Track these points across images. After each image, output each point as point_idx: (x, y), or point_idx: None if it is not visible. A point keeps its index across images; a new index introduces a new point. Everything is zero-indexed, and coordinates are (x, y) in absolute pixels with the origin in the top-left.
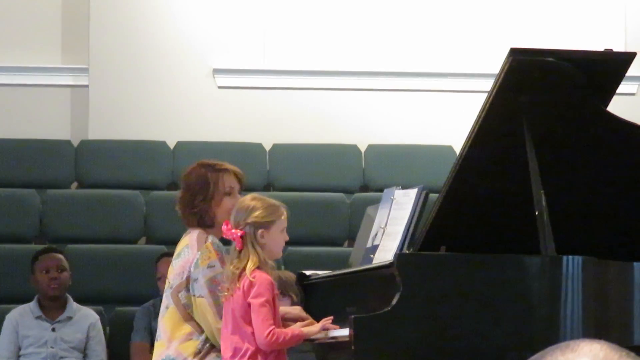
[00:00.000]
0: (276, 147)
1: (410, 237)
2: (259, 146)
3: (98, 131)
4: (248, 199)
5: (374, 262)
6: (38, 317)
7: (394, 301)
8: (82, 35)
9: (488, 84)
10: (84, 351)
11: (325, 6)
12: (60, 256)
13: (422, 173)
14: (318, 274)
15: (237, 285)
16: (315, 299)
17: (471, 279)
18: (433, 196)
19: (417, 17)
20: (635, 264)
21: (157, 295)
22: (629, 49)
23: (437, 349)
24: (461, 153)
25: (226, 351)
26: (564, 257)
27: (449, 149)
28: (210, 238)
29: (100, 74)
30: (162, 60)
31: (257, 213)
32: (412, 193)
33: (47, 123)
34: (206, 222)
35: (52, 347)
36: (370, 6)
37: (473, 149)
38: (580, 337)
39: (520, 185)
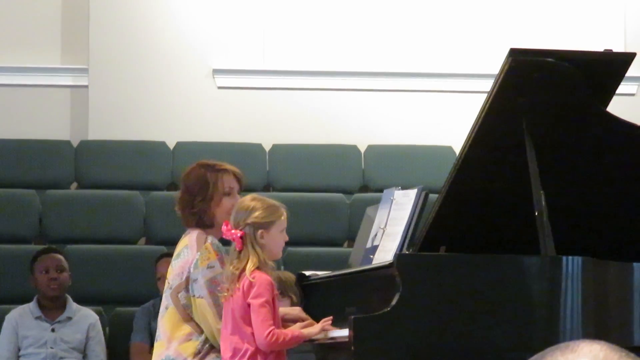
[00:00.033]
0: (276, 148)
1: (410, 237)
2: (259, 146)
3: (98, 131)
4: (248, 199)
5: (373, 262)
6: (38, 318)
7: (394, 302)
8: (81, 36)
9: (488, 85)
10: (84, 351)
11: (324, 7)
12: (60, 256)
13: (422, 173)
14: (318, 275)
15: (237, 285)
16: (315, 299)
17: (471, 279)
18: (433, 196)
19: (417, 18)
20: (635, 264)
21: (157, 295)
22: (629, 49)
23: (437, 349)
24: (461, 153)
25: (226, 351)
26: (564, 258)
27: (449, 149)
28: (210, 238)
29: (99, 75)
30: (161, 60)
31: (257, 213)
32: (412, 193)
33: (47, 123)
34: (205, 223)
35: (51, 348)
36: (370, 7)
37: (473, 149)
38: (579, 337)
39: (519, 186)
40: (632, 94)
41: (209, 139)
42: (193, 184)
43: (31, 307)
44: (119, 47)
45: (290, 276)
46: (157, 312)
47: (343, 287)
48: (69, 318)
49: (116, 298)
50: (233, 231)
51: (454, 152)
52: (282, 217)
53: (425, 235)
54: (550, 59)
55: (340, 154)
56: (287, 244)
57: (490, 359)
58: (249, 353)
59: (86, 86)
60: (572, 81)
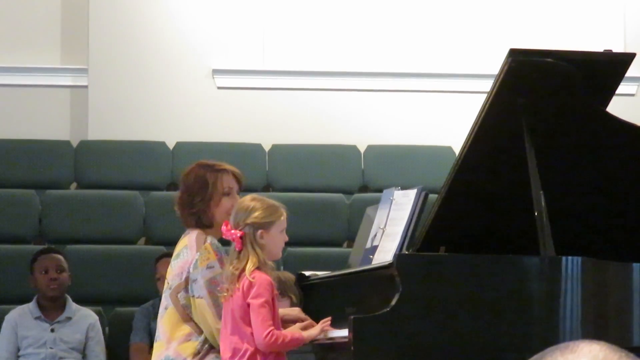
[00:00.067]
0: (275, 148)
1: (410, 237)
2: (259, 147)
3: (97, 132)
4: (248, 199)
5: (373, 262)
6: (37, 318)
7: (394, 302)
8: (81, 36)
9: (487, 85)
10: (83, 352)
11: (324, 7)
12: (60, 257)
13: (422, 174)
14: (317, 275)
15: (237, 285)
16: (315, 299)
17: (470, 279)
18: (432, 197)
19: (417, 18)
20: (634, 264)
21: (157, 295)
22: (629, 49)
23: (436, 349)
24: (460, 154)
25: (225, 352)
26: (563, 258)
27: (449, 149)
28: (209, 239)
29: (99, 75)
30: (161, 60)
31: (256, 214)
32: (412, 194)
33: (47, 123)
34: (204, 223)
35: (51, 348)
36: (370, 7)
37: (472, 149)
38: (579, 337)
39: (519, 186)
40: (632, 94)
41: (208, 139)
42: (192, 184)
43: (31, 307)
44: (119, 47)
45: (290, 276)
46: (157, 313)
47: (343, 287)
48: (69, 318)
49: (116, 298)
50: (233, 231)
51: (454, 152)
52: (282, 218)
53: (425, 235)
54: (549, 59)
55: (340, 154)
56: (287, 244)
57: (490, 359)
58: (248, 353)
59: (86, 86)
60: (571, 81)
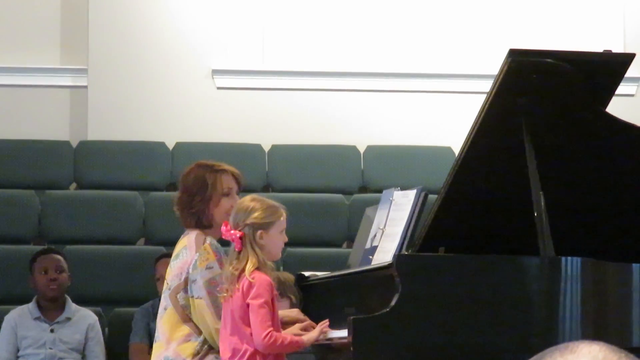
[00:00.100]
0: (275, 148)
1: (409, 238)
2: (258, 147)
3: (97, 132)
4: (247, 200)
5: (372, 263)
6: (37, 318)
7: (393, 302)
8: (81, 36)
9: (487, 85)
10: (83, 352)
11: (324, 7)
12: (59, 257)
13: (421, 174)
14: (317, 275)
15: (237, 286)
16: (314, 300)
17: (470, 280)
18: (432, 197)
19: (416, 18)
20: (634, 265)
21: (156, 296)
22: (628, 50)
23: (436, 349)
24: (460, 154)
25: (225, 352)
26: (563, 258)
27: (448, 150)
28: (209, 239)
29: (99, 75)
30: (161, 61)
31: (256, 214)
32: (411, 194)
33: (46, 124)
34: (204, 223)
35: (50, 348)
36: (369, 7)
37: (472, 150)
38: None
39: (519, 186)
40: (632, 95)
41: (208, 139)
42: (192, 184)
43: (30, 307)
44: (119, 47)
45: (289, 277)
46: (156, 313)
47: (342, 288)
48: (68, 319)
49: (115, 298)
50: (232, 232)
51: (453, 153)
52: (282, 218)
53: (425, 235)
54: (549, 60)
55: (340, 155)
56: (287, 244)
57: (490, 359)
58: (248, 354)
59: (85, 86)
60: (571, 82)
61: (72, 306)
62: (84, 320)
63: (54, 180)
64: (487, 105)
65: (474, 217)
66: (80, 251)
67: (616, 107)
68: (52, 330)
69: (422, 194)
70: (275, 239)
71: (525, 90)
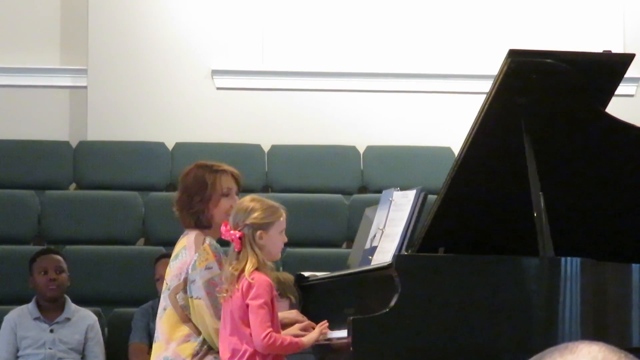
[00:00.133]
0: (275, 149)
1: (409, 238)
2: (258, 147)
3: (97, 132)
4: (247, 200)
5: (372, 263)
6: (36, 319)
7: (393, 302)
8: (80, 37)
9: (487, 86)
10: (82, 352)
11: (323, 8)
12: (59, 257)
13: (421, 174)
14: (316, 276)
15: (236, 286)
16: (314, 300)
17: (469, 280)
18: (432, 197)
19: (416, 19)
20: (633, 265)
21: (156, 296)
22: (628, 50)
23: (436, 350)
24: (460, 154)
25: (224, 352)
26: (563, 259)
27: (448, 150)
28: (208, 240)
29: (98, 75)
30: (160, 61)
31: (256, 214)
32: (411, 194)
33: (46, 124)
34: (203, 223)
35: (50, 349)
36: (369, 8)
37: (472, 150)
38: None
39: (518, 187)
40: (631, 95)
41: (207, 139)
42: (191, 185)
43: (30, 307)
44: (118, 47)
45: (289, 277)
46: (156, 313)
47: (342, 288)
48: (68, 319)
49: (115, 299)
50: (232, 232)
51: (453, 153)
52: (281, 218)
53: (424, 236)
54: (549, 60)
55: (339, 155)
56: (286, 244)
57: (489, 359)
58: (247, 354)
59: (85, 87)
60: (571, 82)
61: (71, 306)
62: (83, 320)
63: (53, 180)
64: (486, 106)
65: (474, 218)
66: (79, 251)
67: (616, 108)
68: (51, 331)
69: (422, 194)
70: (275, 239)
71: (524, 91)
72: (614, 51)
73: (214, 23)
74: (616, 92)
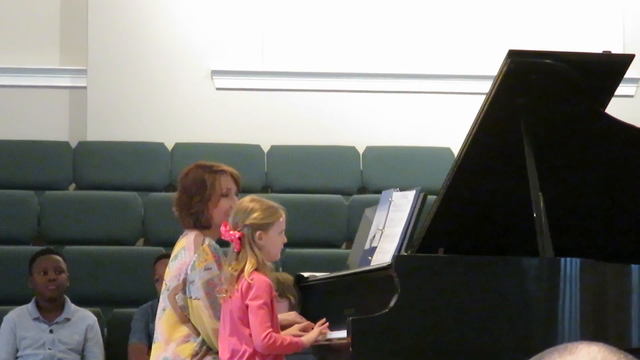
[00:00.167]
0: (274, 149)
1: (408, 239)
2: (257, 148)
3: (96, 133)
4: (247, 200)
5: (372, 264)
6: (36, 319)
7: (392, 303)
8: (80, 37)
9: (486, 86)
10: (82, 353)
11: (323, 8)
12: (58, 257)
13: (421, 175)
14: (316, 276)
15: (236, 287)
16: (313, 301)
17: (469, 281)
18: (431, 198)
19: (415, 19)
20: (633, 266)
21: (155, 296)
22: (627, 50)
23: (435, 350)
24: (459, 155)
25: (224, 353)
26: (562, 259)
27: (447, 150)
28: (207, 240)
29: (98, 76)
30: (160, 61)
31: (255, 215)
32: (410, 195)
33: (45, 124)
34: (202, 224)
35: (49, 349)
36: (368, 8)
37: (471, 150)
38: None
39: (518, 187)
40: (631, 96)
41: (207, 140)
42: (191, 185)
43: (29, 308)
44: (118, 48)
45: (288, 277)
46: (155, 313)
47: (341, 289)
48: (67, 319)
49: (114, 299)
50: (231, 232)
51: (453, 154)
52: (281, 219)
53: (424, 236)
54: (548, 61)
55: (339, 155)
56: (286, 245)
57: None
58: (247, 355)
59: (85, 87)
60: (570, 83)
61: (71, 307)
62: (83, 320)
63: (53, 180)
64: (486, 106)
65: (473, 218)
66: (79, 252)
67: (615, 108)
68: (51, 331)
69: (421, 195)
70: (275, 240)
71: (524, 91)
72: (613, 51)
73: (214, 23)
74: (616, 93)
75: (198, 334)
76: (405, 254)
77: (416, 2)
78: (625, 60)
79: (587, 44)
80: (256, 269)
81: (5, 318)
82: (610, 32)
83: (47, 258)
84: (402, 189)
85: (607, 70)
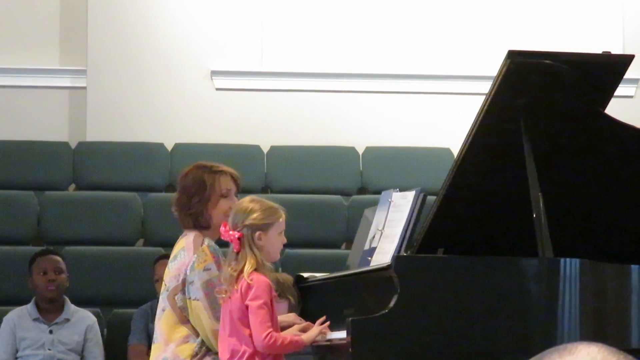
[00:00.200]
0: (274, 149)
1: (408, 239)
2: (257, 148)
3: (96, 133)
4: (246, 201)
5: (371, 264)
6: (35, 319)
7: (392, 303)
8: (80, 37)
9: (486, 87)
10: (82, 353)
11: (323, 9)
12: (58, 258)
13: (420, 175)
14: (316, 277)
15: (235, 287)
16: (313, 301)
17: (469, 281)
18: (431, 198)
19: (415, 20)
20: (632, 266)
21: (155, 297)
22: (627, 51)
23: (435, 351)
24: (459, 155)
25: (224, 353)
26: (562, 260)
27: (447, 151)
28: (207, 241)
29: (98, 76)
30: (160, 62)
31: (255, 215)
32: (410, 195)
33: (45, 125)
34: (202, 224)
35: (49, 349)
36: (368, 8)
37: (471, 151)
38: (577, 339)
39: (517, 188)
40: (631, 96)
41: (207, 140)
42: (190, 185)
43: (29, 308)
44: (117, 48)
45: (288, 278)
46: (155, 314)
47: (341, 289)
48: (67, 320)
49: (114, 299)
50: (231, 232)
51: (452, 154)
52: (281, 219)
53: (423, 237)
54: (548, 61)
55: (339, 156)
56: (285, 245)
57: None
58: (246, 355)
59: (84, 87)
60: (570, 83)
61: (70, 307)
62: (82, 321)
63: (52, 181)
64: (486, 107)
65: (473, 219)
66: (79, 252)
67: (615, 109)
68: (50, 331)
69: (421, 195)
70: (274, 240)
71: (524, 92)
72: (613, 52)
73: (214, 24)
74: (615, 93)
75: (197, 334)
76: (404, 254)
77: (416, 3)
78: (625, 61)
79: (587, 44)
80: (255, 270)
81: (5, 318)
82: (610, 32)
83: (46, 258)
84: (401, 190)
85: (606, 70)
